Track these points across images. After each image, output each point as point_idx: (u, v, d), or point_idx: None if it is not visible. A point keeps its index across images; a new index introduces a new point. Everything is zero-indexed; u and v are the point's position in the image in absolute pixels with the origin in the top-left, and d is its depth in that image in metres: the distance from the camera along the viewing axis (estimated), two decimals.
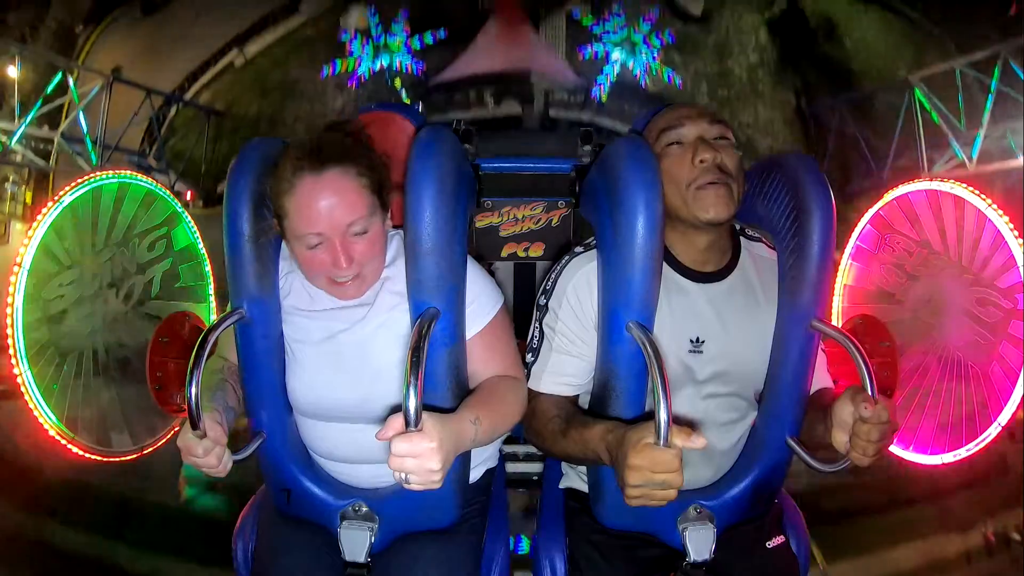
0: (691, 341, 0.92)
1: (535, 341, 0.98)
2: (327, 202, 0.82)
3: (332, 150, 0.84)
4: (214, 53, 5.79)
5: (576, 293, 0.93)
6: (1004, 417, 1.88)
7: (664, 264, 0.90)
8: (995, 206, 1.88)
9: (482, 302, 0.92)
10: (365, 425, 0.91)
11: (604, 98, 6.73)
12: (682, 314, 0.93)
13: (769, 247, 1.00)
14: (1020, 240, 1.83)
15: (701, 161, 0.88)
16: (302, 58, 6.08)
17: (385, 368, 0.90)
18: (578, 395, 0.97)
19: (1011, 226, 1.84)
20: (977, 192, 1.92)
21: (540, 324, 0.97)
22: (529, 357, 0.98)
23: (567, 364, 0.94)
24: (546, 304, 0.97)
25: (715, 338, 0.93)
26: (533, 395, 0.95)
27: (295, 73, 6.00)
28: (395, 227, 0.94)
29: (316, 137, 0.86)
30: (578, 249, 0.98)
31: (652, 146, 0.92)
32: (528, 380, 0.96)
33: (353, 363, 0.90)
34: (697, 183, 0.89)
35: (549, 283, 0.98)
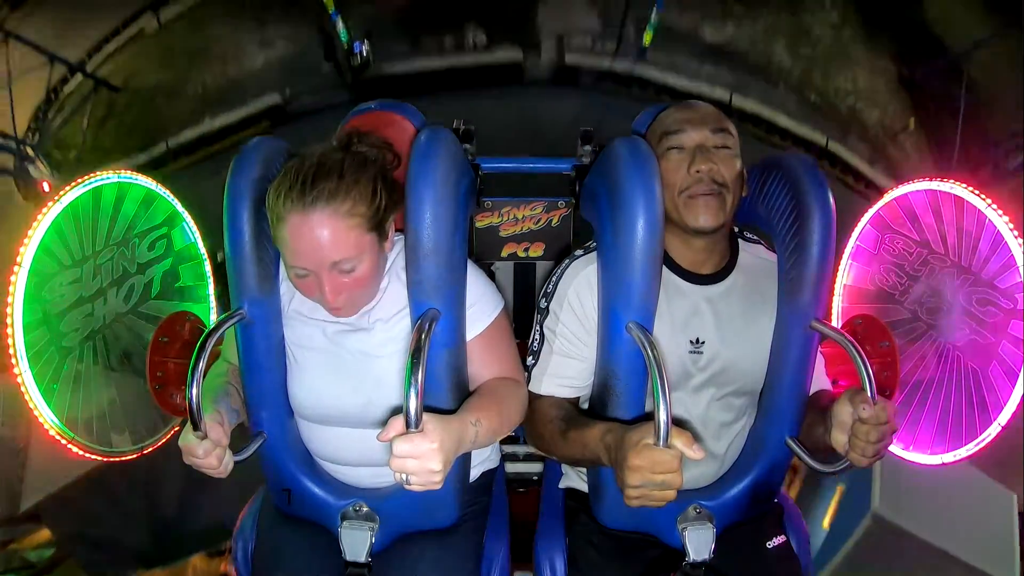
0: (691, 342, 0.93)
1: (536, 344, 0.98)
2: (313, 241, 0.80)
3: (324, 185, 0.80)
4: (125, 19, 4.45)
5: (577, 295, 0.93)
6: (1004, 417, 1.88)
7: (664, 267, 0.91)
8: (995, 206, 1.88)
9: (482, 305, 0.92)
10: (366, 430, 0.91)
11: (648, 40, 4.39)
12: (681, 315, 0.93)
13: (768, 249, 1.00)
14: (1020, 240, 1.82)
15: (697, 171, 0.89)
16: (224, 20, 4.56)
17: (386, 375, 0.90)
18: (578, 397, 0.97)
19: (1011, 226, 1.84)
20: (977, 192, 1.92)
21: (541, 327, 0.97)
22: (530, 360, 0.98)
23: (568, 366, 0.94)
24: (547, 307, 0.97)
25: (714, 339, 0.93)
26: (533, 397, 0.96)
27: (211, 36, 4.49)
28: (397, 231, 0.93)
29: (312, 164, 0.82)
30: (578, 252, 0.98)
31: (654, 147, 0.92)
32: (529, 383, 0.97)
33: (355, 370, 0.91)
34: (689, 191, 0.90)
35: (550, 286, 0.98)
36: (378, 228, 0.86)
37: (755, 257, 1.00)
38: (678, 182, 0.91)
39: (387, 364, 0.90)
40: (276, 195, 0.82)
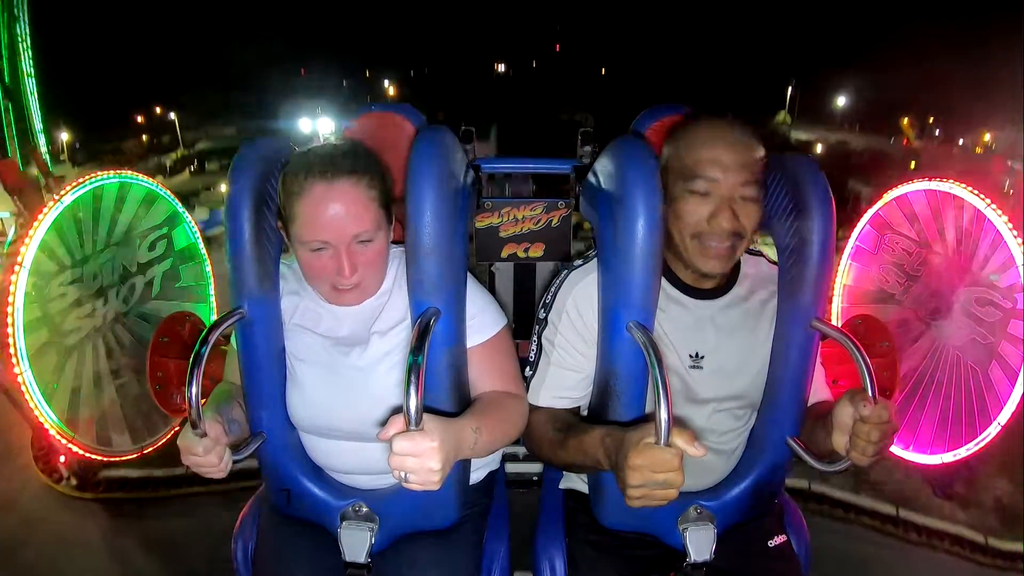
0: (691, 356, 0.92)
1: (534, 355, 0.97)
2: (336, 211, 0.82)
3: (346, 160, 0.84)
4: None
5: (576, 306, 0.92)
6: (1004, 417, 1.88)
7: (664, 279, 0.90)
8: (994, 206, 1.88)
9: (484, 317, 0.92)
10: (363, 443, 0.91)
11: None
12: (682, 329, 0.92)
13: (769, 262, 1.00)
14: (1020, 240, 1.83)
15: (720, 226, 0.84)
16: None
17: (383, 390, 0.90)
18: (577, 407, 0.97)
19: (1010, 226, 1.85)
20: (976, 192, 1.92)
21: (539, 338, 0.97)
22: (528, 371, 0.98)
23: (566, 378, 0.94)
24: (546, 317, 0.96)
25: (715, 353, 0.93)
26: (532, 409, 0.95)
27: None
28: (394, 243, 0.94)
29: (334, 146, 0.87)
30: (578, 262, 0.97)
31: (671, 181, 0.87)
32: (527, 394, 0.96)
33: (352, 387, 0.90)
34: (703, 239, 0.86)
35: (549, 296, 0.97)
36: (387, 209, 0.89)
37: (756, 270, 0.99)
38: (693, 225, 0.86)
39: (384, 378, 0.90)
40: (295, 173, 0.84)
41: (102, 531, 2.04)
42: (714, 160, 0.84)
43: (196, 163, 27.22)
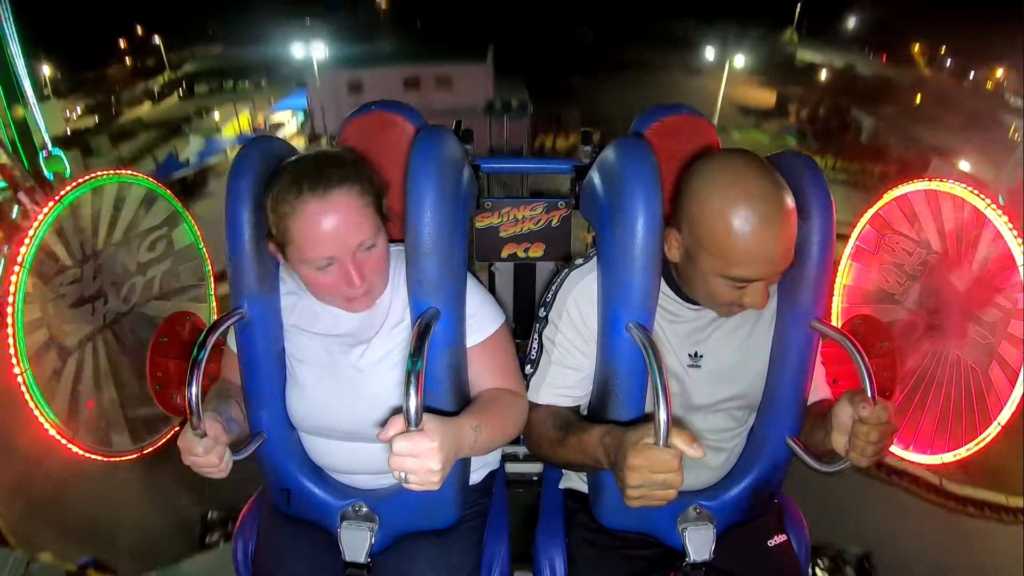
0: (690, 356, 0.92)
1: (534, 353, 0.97)
2: (335, 224, 0.80)
3: (335, 171, 0.82)
4: None
5: (576, 305, 0.92)
6: (1004, 417, 1.88)
7: (663, 283, 0.90)
8: (995, 206, 1.88)
9: (483, 315, 0.92)
10: (363, 443, 0.91)
11: None
12: (681, 330, 0.92)
13: None
14: (1020, 240, 1.83)
15: (746, 305, 0.84)
16: None
17: (383, 391, 0.89)
18: (578, 406, 0.97)
19: (1011, 226, 1.85)
20: (976, 192, 1.92)
21: (540, 336, 0.97)
22: (528, 369, 0.98)
23: (566, 376, 0.94)
24: (546, 316, 0.97)
25: (714, 354, 0.93)
26: (532, 407, 0.95)
27: None
28: (392, 241, 0.94)
29: (316, 157, 0.84)
30: (579, 261, 0.98)
31: (690, 222, 0.82)
32: (527, 392, 0.96)
33: (352, 387, 0.90)
34: (721, 308, 0.87)
35: (549, 295, 0.97)
36: (381, 212, 0.87)
37: None
38: (715, 295, 0.85)
39: (384, 379, 0.90)
40: (284, 193, 0.81)
41: (137, 474, 2.07)
42: (758, 258, 0.79)
43: (184, 86, 25.62)
